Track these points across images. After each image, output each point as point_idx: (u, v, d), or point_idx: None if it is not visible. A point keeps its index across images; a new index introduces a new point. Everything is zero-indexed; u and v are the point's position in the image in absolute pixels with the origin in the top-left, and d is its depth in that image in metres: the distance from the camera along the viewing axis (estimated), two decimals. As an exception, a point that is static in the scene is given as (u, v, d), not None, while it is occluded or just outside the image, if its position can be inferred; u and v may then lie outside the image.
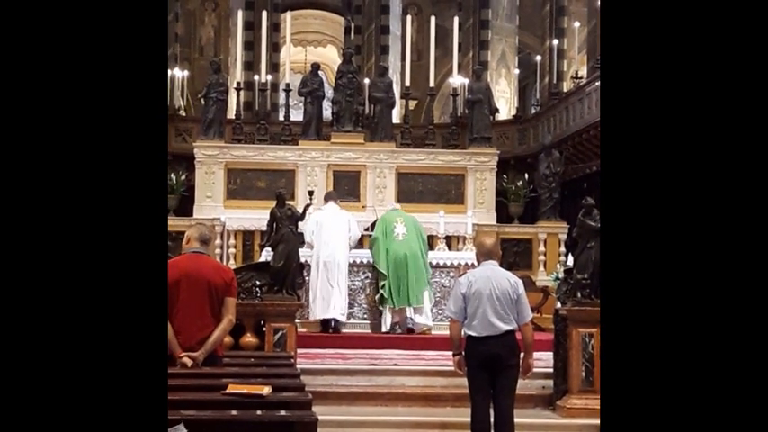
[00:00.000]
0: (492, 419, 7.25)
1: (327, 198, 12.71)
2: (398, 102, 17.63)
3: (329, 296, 11.81)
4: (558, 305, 9.61)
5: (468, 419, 7.34)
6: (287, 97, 17.12)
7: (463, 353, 7.32)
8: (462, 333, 7.35)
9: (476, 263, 7.87)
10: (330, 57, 29.04)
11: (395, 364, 10.15)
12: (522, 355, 7.33)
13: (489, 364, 7.17)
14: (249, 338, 8.83)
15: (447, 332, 7.61)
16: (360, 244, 13.30)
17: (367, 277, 12.33)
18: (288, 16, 19.94)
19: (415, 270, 11.88)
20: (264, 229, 11.43)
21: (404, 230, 12.10)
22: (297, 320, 9.41)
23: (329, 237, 11.98)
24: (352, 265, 12.22)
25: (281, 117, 18.02)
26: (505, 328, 7.17)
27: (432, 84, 17.17)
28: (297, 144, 16.24)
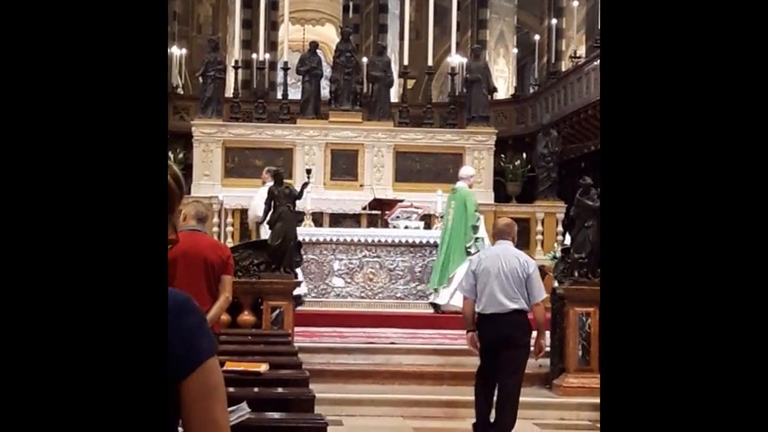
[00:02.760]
0: (495, 398, 7.26)
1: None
2: (396, 80, 17.59)
3: None
4: (556, 284, 9.63)
5: (464, 398, 7.37)
6: (285, 76, 17.10)
7: (476, 330, 7.32)
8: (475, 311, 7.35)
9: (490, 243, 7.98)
10: (328, 35, 28.97)
11: (392, 343, 10.18)
12: (534, 334, 7.32)
13: (496, 343, 7.15)
14: (246, 316, 8.84)
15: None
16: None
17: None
18: (286, -6, 19.84)
19: (447, 252, 12.06)
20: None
21: (451, 215, 12.23)
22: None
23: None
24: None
25: (279, 96, 17.97)
26: (512, 306, 7.13)
27: (430, 63, 17.11)
28: (295, 123, 16.21)
